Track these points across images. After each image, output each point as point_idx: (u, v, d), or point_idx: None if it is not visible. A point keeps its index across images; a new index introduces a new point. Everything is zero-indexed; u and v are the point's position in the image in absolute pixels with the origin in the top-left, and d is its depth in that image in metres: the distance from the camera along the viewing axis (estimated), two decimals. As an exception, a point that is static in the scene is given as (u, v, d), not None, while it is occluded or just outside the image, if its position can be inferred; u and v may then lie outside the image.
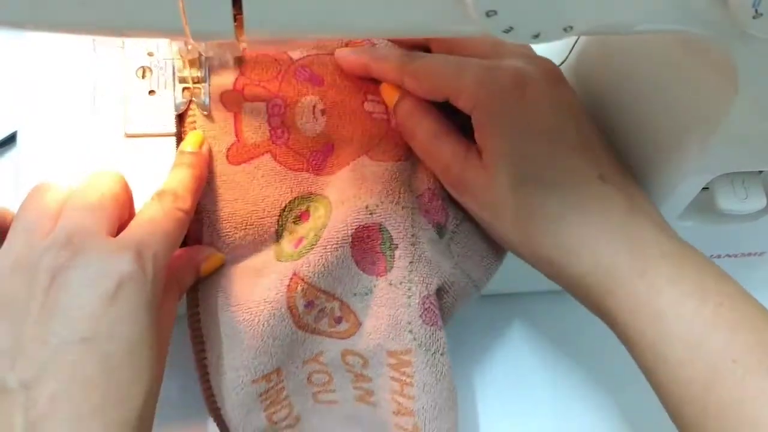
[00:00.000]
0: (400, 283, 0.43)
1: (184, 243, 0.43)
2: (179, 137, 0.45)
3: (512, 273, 0.47)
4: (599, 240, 0.40)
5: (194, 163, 0.42)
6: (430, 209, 0.45)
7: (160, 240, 0.38)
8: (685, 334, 0.38)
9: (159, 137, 0.45)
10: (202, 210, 0.43)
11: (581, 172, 0.42)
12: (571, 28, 0.30)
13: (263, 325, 0.42)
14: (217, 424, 0.45)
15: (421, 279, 0.43)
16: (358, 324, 0.44)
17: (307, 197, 0.45)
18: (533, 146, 0.42)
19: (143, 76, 0.46)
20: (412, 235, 0.44)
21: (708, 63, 0.38)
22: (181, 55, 0.45)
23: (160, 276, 0.38)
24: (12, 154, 0.54)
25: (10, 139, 0.55)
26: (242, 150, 0.44)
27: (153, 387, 0.37)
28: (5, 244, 0.38)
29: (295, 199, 0.45)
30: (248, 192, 0.44)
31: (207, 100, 0.45)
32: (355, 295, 0.44)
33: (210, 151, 0.44)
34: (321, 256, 0.42)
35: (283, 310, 0.42)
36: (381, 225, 0.44)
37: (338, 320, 0.44)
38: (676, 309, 0.38)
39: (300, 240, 0.44)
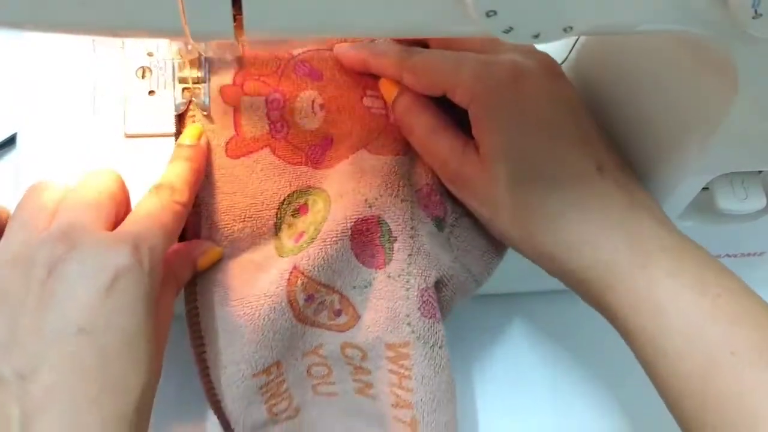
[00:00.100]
0: (399, 276, 0.44)
1: (183, 237, 0.43)
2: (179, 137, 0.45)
3: (512, 273, 0.47)
4: (599, 235, 0.40)
5: (192, 156, 0.43)
6: (429, 204, 0.45)
7: (157, 233, 0.38)
8: (684, 326, 0.38)
9: (159, 137, 0.45)
10: (201, 203, 0.44)
11: (580, 167, 0.42)
12: (571, 28, 0.30)
13: (264, 319, 0.42)
14: (218, 417, 0.45)
15: (420, 272, 0.44)
16: (357, 317, 0.44)
17: (306, 191, 0.45)
18: (531, 141, 0.42)
19: (143, 77, 0.46)
20: (411, 228, 0.44)
21: (708, 63, 0.38)
22: (181, 56, 0.45)
23: (157, 269, 0.38)
24: (12, 156, 0.54)
25: (10, 141, 0.55)
26: (241, 144, 0.45)
27: (150, 380, 0.36)
28: (2, 240, 0.38)
29: (293, 192, 0.45)
30: (247, 185, 0.44)
31: (207, 101, 0.45)
32: (354, 288, 0.44)
33: (208, 145, 0.44)
34: (321, 249, 0.43)
35: (283, 303, 0.42)
36: (380, 218, 0.44)
37: (337, 313, 0.44)
38: (675, 301, 0.38)
39: (301, 234, 0.44)
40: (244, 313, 0.43)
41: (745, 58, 0.35)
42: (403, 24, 0.32)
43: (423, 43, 0.47)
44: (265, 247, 0.45)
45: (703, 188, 0.45)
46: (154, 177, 0.42)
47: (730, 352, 0.37)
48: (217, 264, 0.44)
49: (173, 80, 0.45)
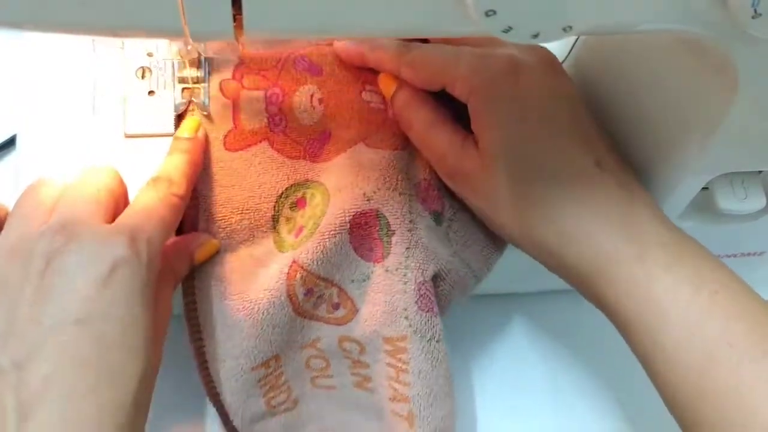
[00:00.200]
0: (396, 269, 0.44)
1: (180, 230, 0.43)
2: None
3: (512, 273, 0.47)
4: (598, 230, 0.40)
5: (190, 149, 0.43)
6: (427, 198, 0.45)
7: (155, 225, 0.38)
8: (681, 320, 0.38)
9: (159, 137, 0.45)
10: (198, 195, 0.44)
11: (579, 162, 0.42)
12: (571, 28, 0.30)
13: (263, 313, 0.43)
14: (217, 410, 0.45)
15: (417, 265, 0.44)
16: (356, 310, 0.44)
17: (303, 184, 0.45)
18: (530, 136, 0.42)
19: (143, 77, 0.46)
20: (410, 221, 0.44)
21: (708, 63, 0.38)
22: (180, 56, 0.45)
23: (155, 261, 0.38)
24: (11, 157, 0.54)
25: (10, 143, 0.55)
26: (240, 137, 0.45)
27: (148, 370, 0.37)
28: (1, 234, 0.38)
29: (291, 185, 0.45)
30: (245, 178, 0.44)
31: (207, 101, 0.45)
32: (352, 281, 0.44)
33: (206, 137, 0.44)
34: (319, 242, 0.43)
35: (282, 298, 0.43)
36: (378, 211, 0.44)
37: (336, 306, 0.44)
38: (673, 295, 0.38)
39: (300, 229, 0.44)
40: (243, 308, 0.43)
41: (745, 58, 0.35)
42: (403, 24, 0.32)
43: (422, 39, 0.47)
44: (264, 241, 0.45)
45: (703, 188, 0.45)
46: (154, 177, 0.42)
47: (727, 344, 0.37)
48: (215, 258, 0.44)
49: (173, 80, 0.45)
